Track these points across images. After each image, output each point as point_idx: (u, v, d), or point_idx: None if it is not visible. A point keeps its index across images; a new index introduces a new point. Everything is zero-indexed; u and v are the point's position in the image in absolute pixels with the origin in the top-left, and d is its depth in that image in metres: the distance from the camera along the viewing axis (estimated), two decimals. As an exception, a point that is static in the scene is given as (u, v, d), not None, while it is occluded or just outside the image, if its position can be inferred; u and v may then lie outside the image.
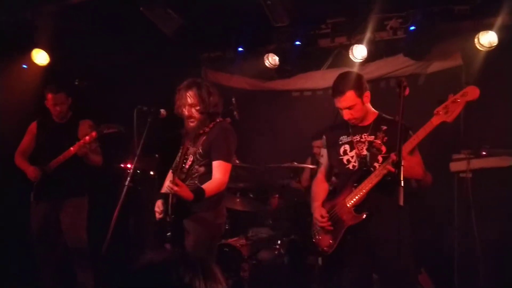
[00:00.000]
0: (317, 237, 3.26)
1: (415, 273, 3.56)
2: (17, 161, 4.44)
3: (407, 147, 2.70)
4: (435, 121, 2.74)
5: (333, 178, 3.51)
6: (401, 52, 5.12)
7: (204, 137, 3.34)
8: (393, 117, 3.14)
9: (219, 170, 3.24)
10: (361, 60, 5.21)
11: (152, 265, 1.18)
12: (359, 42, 5.15)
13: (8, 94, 5.05)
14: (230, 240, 4.70)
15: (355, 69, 5.39)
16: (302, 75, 6.03)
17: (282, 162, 5.12)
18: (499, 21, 4.48)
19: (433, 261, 4.58)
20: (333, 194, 3.25)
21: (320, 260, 4.44)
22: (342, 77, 3.13)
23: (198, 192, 3.12)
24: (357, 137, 3.13)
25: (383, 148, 3.02)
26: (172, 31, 4.89)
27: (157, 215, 3.39)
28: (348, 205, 3.04)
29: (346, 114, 3.07)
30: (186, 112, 3.32)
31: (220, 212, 3.41)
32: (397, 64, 5.31)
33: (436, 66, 5.13)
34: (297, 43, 5.53)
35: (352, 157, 3.12)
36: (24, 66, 5.35)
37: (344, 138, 3.19)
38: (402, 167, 2.40)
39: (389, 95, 5.28)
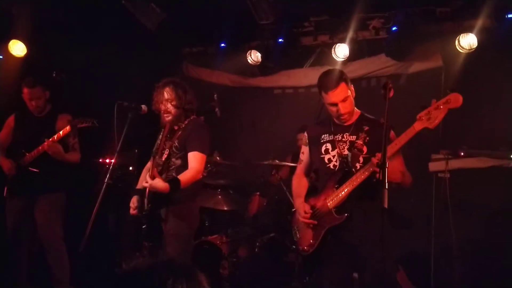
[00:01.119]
0: (297, 236, 3.27)
1: (394, 272, 3.60)
2: None
3: (388, 152, 2.71)
4: (417, 126, 2.75)
5: (312, 174, 3.51)
6: (383, 52, 5.16)
7: (180, 132, 3.51)
8: (375, 117, 3.16)
9: (195, 160, 3.39)
10: (343, 59, 5.24)
11: (137, 270, 1.16)
12: (342, 41, 5.17)
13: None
14: (210, 238, 4.68)
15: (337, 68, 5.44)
16: (284, 73, 6.03)
17: (263, 160, 5.11)
18: (479, 23, 4.55)
19: (410, 259, 4.64)
20: (314, 193, 3.25)
21: (300, 258, 4.45)
22: (330, 72, 3.14)
23: (173, 183, 3.25)
24: (339, 136, 3.12)
25: (365, 149, 3.02)
26: (154, 25, 4.82)
27: (131, 211, 3.52)
28: (329, 205, 3.04)
29: (343, 108, 3.03)
30: (162, 107, 3.49)
31: (195, 203, 3.58)
32: (378, 64, 5.36)
33: (417, 66, 5.18)
34: (280, 40, 5.53)
35: (333, 156, 3.11)
36: (0, 56, 5.20)
37: (325, 137, 3.18)
38: (386, 169, 2.40)
39: (370, 95, 5.32)
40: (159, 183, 3.19)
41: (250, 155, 5.61)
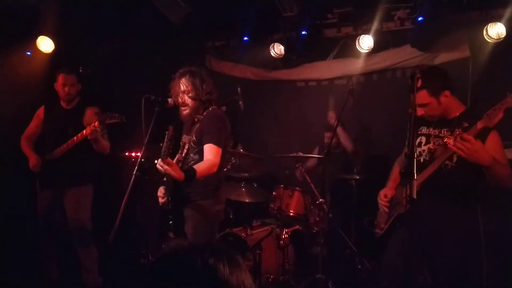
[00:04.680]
0: (377, 218, 3.36)
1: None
2: (23, 145, 4.44)
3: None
4: (480, 125, 2.72)
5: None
6: (408, 43, 5.09)
7: (198, 125, 3.40)
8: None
9: (210, 152, 3.25)
10: (368, 51, 5.18)
11: (177, 250, 1.18)
12: (366, 32, 5.11)
13: (13, 82, 5.00)
14: (234, 230, 4.71)
15: (361, 60, 5.38)
16: (307, 65, 5.99)
17: (287, 152, 5.11)
18: (508, 12, 4.44)
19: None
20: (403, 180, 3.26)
21: (324, 251, 4.46)
22: (420, 73, 2.98)
23: (189, 172, 3.11)
24: (436, 131, 3.02)
25: None
26: (179, 19, 4.84)
27: (160, 200, 3.46)
28: (403, 194, 2.97)
29: (419, 111, 2.94)
30: (180, 100, 3.38)
31: (218, 199, 3.44)
32: (404, 55, 5.27)
33: (443, 57, 5.08)
34: (303, 32, 5.50)
35: (423, 150, 3.03)
36: (28, 53, 5.31)
37: (423, 129, 3.10)
38: (415, 160, 2.38)
39: (395, 86, 5.27)
40: (175, 171, 3.02)
41: (274, 148, 5.61)
